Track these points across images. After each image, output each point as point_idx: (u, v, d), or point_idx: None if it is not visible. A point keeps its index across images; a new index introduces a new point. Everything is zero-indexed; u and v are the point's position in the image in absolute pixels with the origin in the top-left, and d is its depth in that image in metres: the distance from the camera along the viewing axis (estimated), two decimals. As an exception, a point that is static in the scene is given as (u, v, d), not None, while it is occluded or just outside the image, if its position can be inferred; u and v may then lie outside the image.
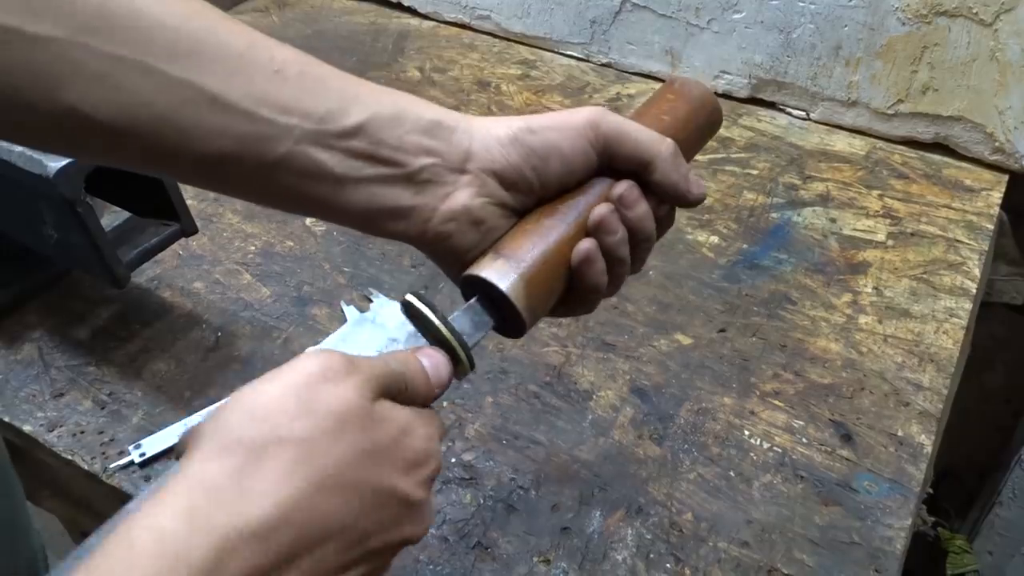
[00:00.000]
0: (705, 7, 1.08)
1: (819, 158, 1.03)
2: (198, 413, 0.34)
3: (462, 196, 0.43)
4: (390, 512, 0.36)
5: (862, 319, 0.81)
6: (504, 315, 0.44)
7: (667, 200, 0.46)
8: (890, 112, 1.03)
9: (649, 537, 0.64)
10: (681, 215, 0.94)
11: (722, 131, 1.07)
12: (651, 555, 0.62)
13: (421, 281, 0.85)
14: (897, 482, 0.67)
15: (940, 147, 1.03)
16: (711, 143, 1.06)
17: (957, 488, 1.39)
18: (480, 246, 0.45)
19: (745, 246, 0.90)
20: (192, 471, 0.33)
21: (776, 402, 0.73)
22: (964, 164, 1.01)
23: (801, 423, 0.72)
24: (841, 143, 1.05)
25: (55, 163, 0.64)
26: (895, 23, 0.97)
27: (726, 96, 1.13)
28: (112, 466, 0.68)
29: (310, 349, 0.38)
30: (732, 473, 0.68)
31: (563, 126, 0.44)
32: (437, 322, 0.42)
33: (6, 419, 0.72)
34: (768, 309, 0.82)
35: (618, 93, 1.15)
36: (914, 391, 0.74)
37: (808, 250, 0.89)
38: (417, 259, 0.88)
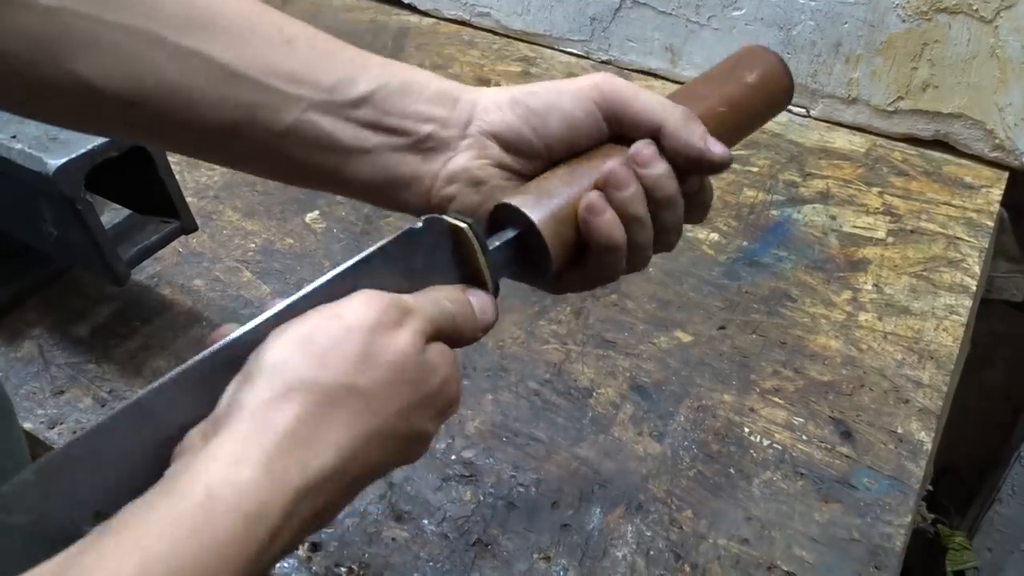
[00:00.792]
0: (705, 4, 1.08)
1: (819, 155, 1.03)
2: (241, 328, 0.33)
3: (462, 159, 0.44)
4: (414, 447, 0.38)
5: (862, 316, 0.81)
6: (529, 253, 0.43)
7: (687, 166, 0.44)
8: (890, 109, 1.03)
9: (649, 534, 0.64)
10: (681, 212, 0.94)
11: (722, 128, 1.07)
12: (651, 552, 0.62)
13: (421, 278, 0.85)
14: (897, 479, 0.67)
15: (940, 144, 1.03)
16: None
17: (957, 485, 1.39)
18: (483, 206, 0.44)
19: (745, 243, 0.90)
20: (262, 414, 0.33)
21: (776, 399, 0.73)
22: (964, 161, 1.01)
23: (801, 420, 0.72)
24: (841, 140, 1.05)
25: (55, 160, 0.63)
26: (895, 20, 0.97)
27: (726, 93, 1.13)
28: (112, 463, 0.68)
29: (363, 290, 0.37)
30: (732, 470, 0.68)
31: (565, 88, 0.44)
32: (484, 267, 0.41)
33: (6, 416, 0.72)
34: (768, 306, 0.82)
35: (618, 90, 1.15)
36: (914, 388, 0.74)
37: (808, 247, 0.89)
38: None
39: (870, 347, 0.78)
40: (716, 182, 1.00)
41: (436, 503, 0.65)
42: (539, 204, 0.42)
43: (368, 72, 0.42)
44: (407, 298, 0.38)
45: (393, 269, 0.40)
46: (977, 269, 0.86)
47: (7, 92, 0.39)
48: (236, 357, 0.35)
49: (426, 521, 0.64)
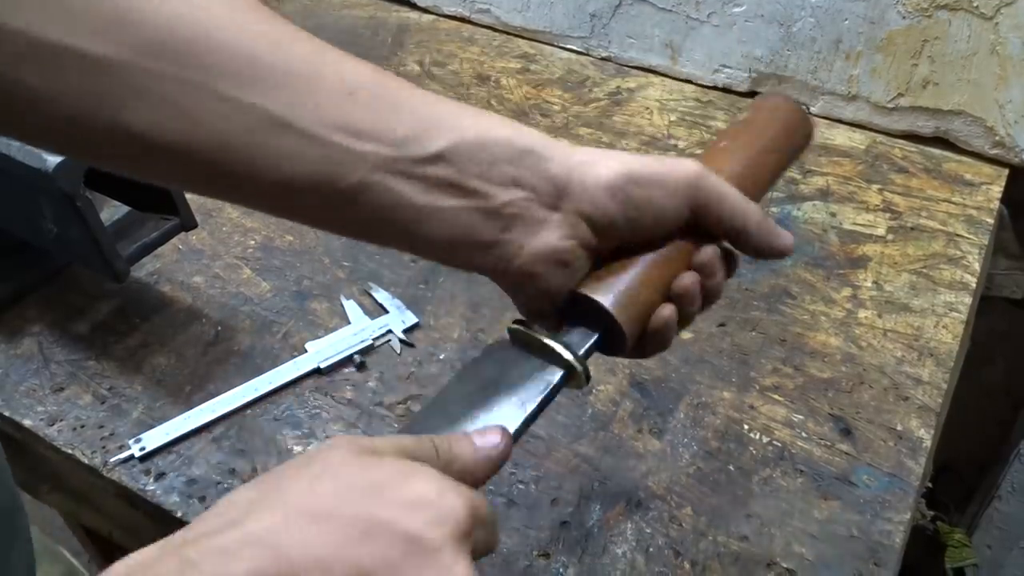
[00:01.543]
0: (705, 1, 1.08)
1: (819, 152, 1.03)
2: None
3: (552, 236, 0.41)
4: (392, 549, 0.31)
5: (862, 313, 0.81)
6: (604, 333, 0.44)
7: (760, 257, 0.47)
8: (890, 106, 1.03)
9: (649, 531, 0.64)
10: (681, 209, 0.94)
11: (722, 125, 1.07)
12: (650, 549, 0.62)
13: (421, 275, 0.85)
14: (896, 476, 0.67)
15: (940, 141, 1.03)
16: (712, 137, 1.06)
17: (956, 482, 1.39)
18: (563, 287, 0.43)
19: (745, 240, 0.90)
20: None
21: (775, 396, 0.74)
22: (964, 158, 1.01)
23: (800, 417, 0.72)
24: (841, 137, 1.05)
25: (54, 157, 0.63)
26: (895, 16, 0.97)
27: (726, 90, 1.13)
28: (112, 460, 0.68)
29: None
30: (731, 467, 0.68)
31: (667, 182, 0.42)
32: (543, 337, 0.42)
33: (6, 413, 0.72)
34: (768, 303, 0.82)
35: (618, 87, 1.15)
36: (913, 385, 0.74)
37: (808, 244, 0.89)
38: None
39: (870, 344, 0.78)
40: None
41: (436, 500, 0.65)
42: (624, 307, 0.42)
43: (442, 125, 0.39)
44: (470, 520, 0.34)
45: (472, 387, 0.42)
46: (977, 266, 0.86)
47: (63, 140, 0.38)
48: None
49: (426, 518, 0.64)
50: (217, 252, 0.88)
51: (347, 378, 0.75)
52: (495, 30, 1.27)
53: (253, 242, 0.90)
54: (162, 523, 0.67)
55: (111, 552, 1.21)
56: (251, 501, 0.32)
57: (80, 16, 0.34)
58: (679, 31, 1.12)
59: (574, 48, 1.22)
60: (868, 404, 0.73)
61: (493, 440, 0.39)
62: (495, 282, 0.44)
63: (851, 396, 0.73)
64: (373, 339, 0.77)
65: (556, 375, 0.42)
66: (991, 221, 0.92)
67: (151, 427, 0.70)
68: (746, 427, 0.71)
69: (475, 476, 0.38)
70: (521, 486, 0.67)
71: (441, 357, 0.77)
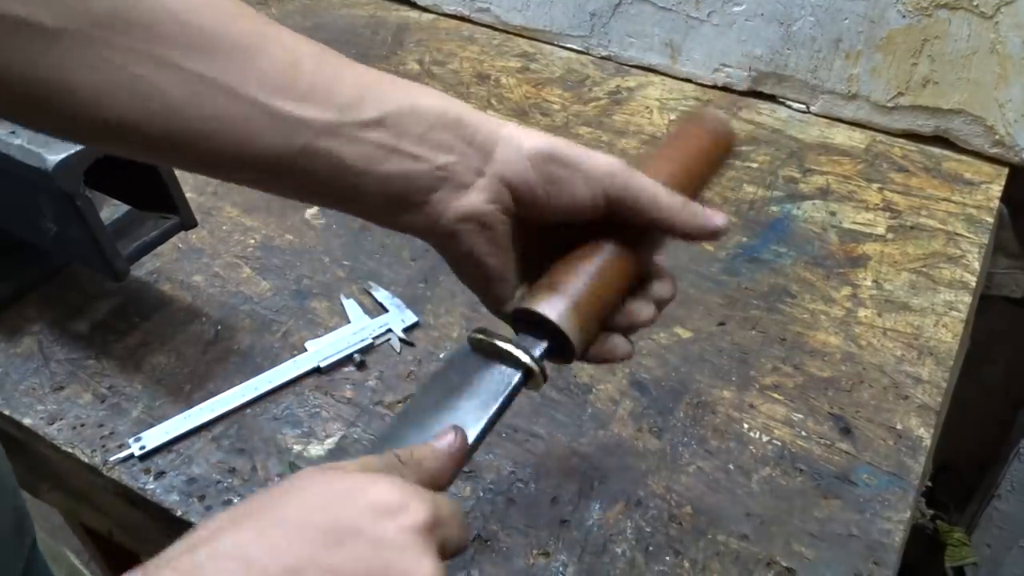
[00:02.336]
0: (705, 0, 1.08)
1: (819, 151, 1.03)
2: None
3: (476, 198, 0.44)
4: (361, 553, 0.32)
5: (861, 312, 0.81)
6: (553, 343, 0.46)
7: (695, 239, 0.48)
8: (890, 105, 1.03)
9: (648, 530, 0.64)
10: (681, 208, 0.94)
11: (722, 124, 1.07)
12: (650, 548, 0.62)
13: (420, 274, 0.85)
14: (896, 475, 0.67)
15: (940, 140, 1.03)
16: (711, 136, 1.06)
17: (956, 481, 1.39)
18: (487, 254, 0.45)
19: (745, 239, 0.90)
20: None
21: (775, 395, 0.74)
22: (964, 157, 1.01)
23: (800, 416, 0.72)
24: (841, 136, 1.05)
25: (54, 156, 0.63)
26: (895, 16, 0.97)
27: (726, 89, 1.13)
28: (112, 459, 0.68)
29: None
30: (731, 466, 0.68)
31: (585, 168, 0.44)
32: (500, 343, 0.44)
33: (6, 412, 0.72)
34: (767, 302, 0.82)
35: (618, 86, 1.15)
36: (913, 384, 0.74)
37: (808, 243, 0.89)
38: (416, 253, 0.88)
39: (869, 343, 0.78)
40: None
41: (436, 499, 0.66)
42: (569, 318, 0.44)
43: (379, 93, 0.42)
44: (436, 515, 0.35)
45: (437, 396, 0.44)
46: (977, 265, 0.86)
47: (15, 111, 0.39)
48: None
49: (426, 517, 0.64)
50: (217, 251, 0.88)
51: (347, 377, 0.75)
52: (495, 29, 1.27)
53: (253, 241, 0.90)
54: (162, 522, 0.67)
55: (111, 551, 1.21)
56: (224, 520, 0.33)
57: None
58: (679, 30, 1.12)
59: (574, 47, 1.22)
60: (868, 403, 0.73)
61: (448, 439, 0.41)
62: (423, 240, 0.46)
63: (851, 395, 0.73)
64: (373, 338, 0.77)
65: (515, 377, 0.45)
66: (991, 220, 0.92)
67: (151, 426, 0.70)
68: (746, 426, 0.71)
69: (437, 478, 0.39)
70: (521, 485, 0.67)
71: (441, 356, 0.77)
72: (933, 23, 0.95)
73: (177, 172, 0.74)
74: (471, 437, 0.42)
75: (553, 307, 0.44)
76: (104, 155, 0.66)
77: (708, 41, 1.11)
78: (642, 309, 0.49)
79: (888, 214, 0.93)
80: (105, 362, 0.77)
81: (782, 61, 1.07)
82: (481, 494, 0.66)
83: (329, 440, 0.70)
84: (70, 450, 0.69)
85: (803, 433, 0.70)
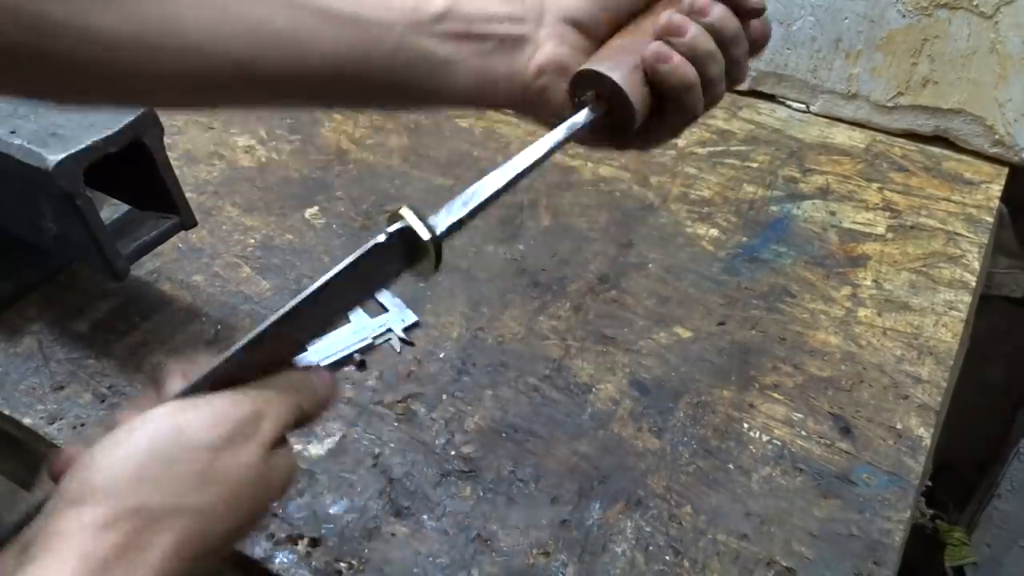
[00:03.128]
0: (705, -1, 1.07)
1: (819, 151, 1.03)
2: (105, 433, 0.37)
3: (546, 50, 0.45)
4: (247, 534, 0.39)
5: (861, 312, 0.81)
6: (614, 114, 0.45)
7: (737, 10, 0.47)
8: (890, 105, 1.03)
9: (648, 530, 0.64)
10: (681, 208, 0.94)
11: (722, 124, 1.07)
12: (650, 547, 0.62)
13: (421, 274, 0.85)
14: (896, 475, 0.67)
15: (940, 140, 1.03)
16: (711, 136, 1.06)
17: (956, 481, 1.39)
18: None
19: (745, 239, 0.90)
20: (81, 544, 0.32)
21: (775, 395, 0.74)
22: (964, 157, 1.01)
23: (800, 416, 0.72)
24: (841, 136, 1.05)
25: (54, 156, 0.63)
26: (895, 15, 0.97)
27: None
28: (112, 459, 0.68)
29: (220, 396, 0.39)
30: (731, 466, 0.68)
31: None
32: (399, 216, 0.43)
33: (6, 412, 0.72)
34: (767, 302, 0.82)
35: (618, 86, 1.15)
36: (913, 384, 0.74)
37: (807, 243, 0.89)
38: (416, 252, 0.88)
39: (869, 343, 0.78)
40: (716, 178, 1.00)
41: (435, 498, 0.66)
42: (615, 65, 0.44)
43: None
44: (259, 399, 0.39)
45: (352, 285, 0.44)
46: (976, 265, 0.86)
47: (128, 81, 0.41)
48: None
49: (425, 516, 0.64)
50: (217, 250, 0.88)
51: (347, 376, 0.75)
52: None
53: (253, 240, 0.90)
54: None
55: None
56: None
57: None
58: (679, 30, 1.12)
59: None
60: (868, 403, 0.73)
61: (331, 397, 0.45)
62: (518, 112, 0.48)
63: (851, 395, 0.73)
64: (373, 338, 0.77)
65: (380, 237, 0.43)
66: (991, 220, 0.92)
67: (151, 426, 0.70)
68: (746, 426, 0.71)
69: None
70: (521, 484, 0.67)
71: (441, 355, 0.77)
72: (933, 23, 0.95)
73: (177, 171, 0.74)
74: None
75: (592, 63, 0.44)
76: (104, 155, 0.66)
77: (708, 41, 1.11)
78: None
79: (888, 214, 0.93)
80: (105, 362, 0.77)
81: (782, 61, 1.07)
82: (481, 493, 0.66)
83: (329, 440, 0.70)
84: (70, 450, 0.69)
85: (803, 433, 0.70)
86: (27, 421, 0.72)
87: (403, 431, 0.70)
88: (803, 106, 1.10)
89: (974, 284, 0.84)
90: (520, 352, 0.77)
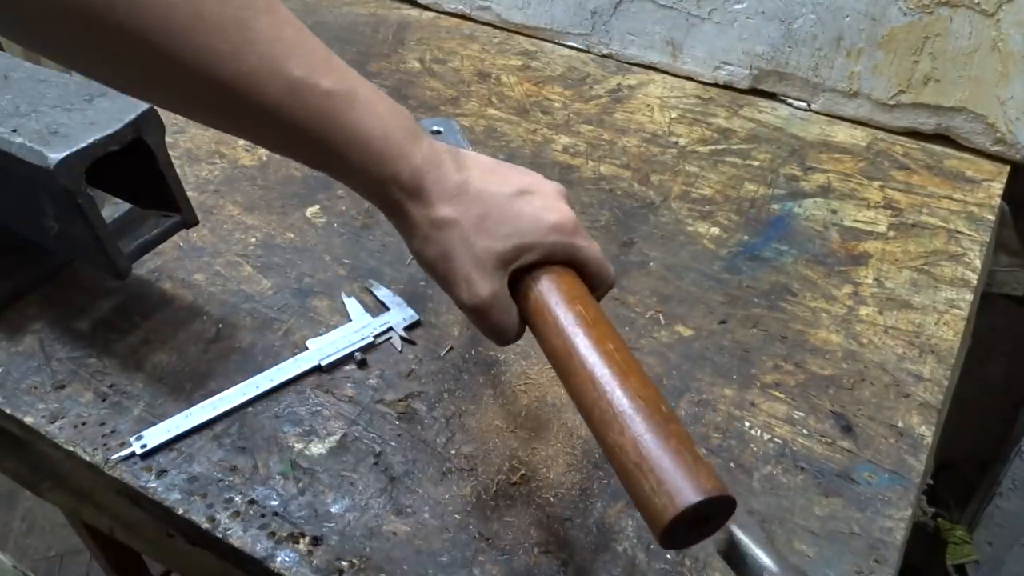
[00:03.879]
0: (706, -3, 1.08)
1: (820, 149, 1.03)
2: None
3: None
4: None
5: (863, 310, 0.81)
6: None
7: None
8: (891, 103, 1.03)
9: (649, 528, 0.64)
10: (682, 206, 0.94)
11: (723, 122, 1.07)
12: (652, 546, 0.62)
13: (421, 273, 0.85)
14: (897, 473, 0.67)
15: (941, 138, 1.03)
16: (712, 134, 1.06)
17: (957, 479, 1.39)
18: None
19: (746, 237, 0.90)
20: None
21: (776, 393, 0.74)
22: (965, 155, 1.01)
23: (801, 414, 0.72)
24: (842, 134, 1.05)
25: (56, 154, 0.63)
26: (897, 13, 0.97)
27: (727, 87, 1.13)
28: (114, 457, 0.68)
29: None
30: (732, 464, 0.68)
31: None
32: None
33: (7, 411, 0.72)
34: (769, 300, 0.82)
35: (619, 84, 1.15)
36: (914, 382, 0.74)
37: (809, 241, 0.89)
38: (418, 251, 0.88)
39: (871, 341, 0.78)
40: (717, 176, 1.00)
41: (437, 497, 0.66)
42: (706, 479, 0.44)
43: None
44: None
45: None
46: (978, 263, 0.86)
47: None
48: None
49: (427, 515, 0.64)
50: (218, 249, 0.88)
51: (348, 375, 0.75)
52: (496, 27, 1.27)
53: (254, 239, 0.90)
54: (163, 520, 0.67)
55: (112, 550, 1.22)
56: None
57: None
58: (680, 28, 1.12)
59: (575, 45, 1.22)
60: (869, 401, 0.73)
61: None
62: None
63: (852, 393, 0.73)
64: (374, 336, 0.77)
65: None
66: (992, 218, 0.92)
67: (152, 424, 0.70)
68: (747, 424, 0.71)
69: None
70: (521, 483, 0.67)
71: (442, 354, 0.77)
72: (934, 20, 0.95)
73: (178, 170, 0.74)
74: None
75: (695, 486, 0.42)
76: (105, 153, 0.66)
77: (709, 39, 1.11)
78: None
79: (889, 212, 0.93)
80: (106, 360, 0.77)
81: (783, 59, 1.07)
82: (482, 492, 0.66)
83: (330, 438, 0.70)
84: (71, 449, 0.69)
85: (804, 431, 0.70)
86: (28, 420, 0.72)
87: (404, 430, 0.71)
88: (804, 104, 1.10)
89: (975, 282, 0.84)
90: (521, 351, 0.77)
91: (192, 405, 0.71)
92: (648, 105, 1.11)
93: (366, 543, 0.63)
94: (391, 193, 0.51)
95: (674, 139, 1.05)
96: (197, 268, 0.86)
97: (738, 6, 1.06)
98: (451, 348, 0.78)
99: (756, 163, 1.01)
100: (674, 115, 1.09)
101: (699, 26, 1.10)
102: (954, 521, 1.37)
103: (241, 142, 1.04)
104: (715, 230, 0.91)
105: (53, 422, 0.71)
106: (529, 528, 0.64)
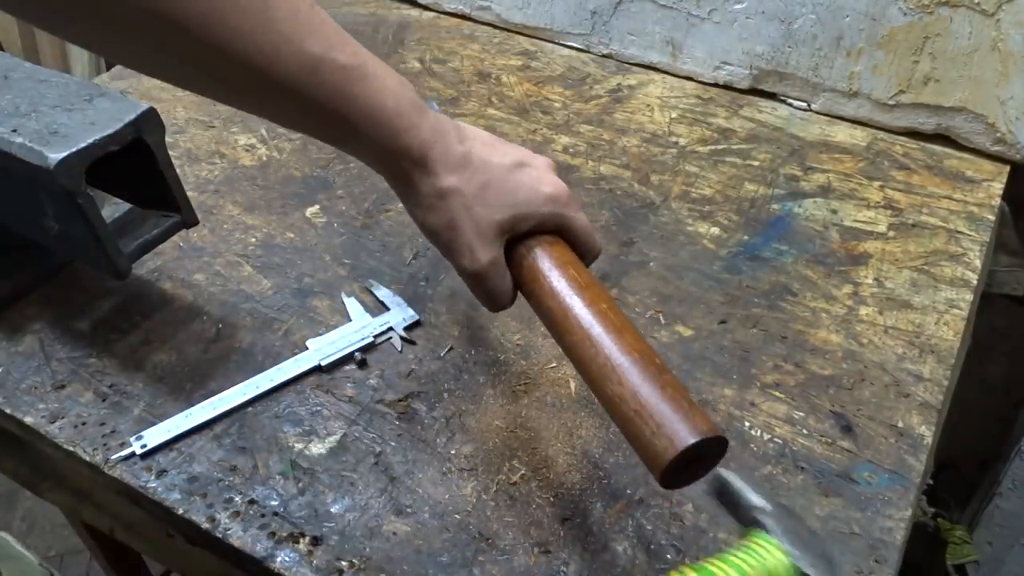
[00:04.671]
0: (706, -3, 1.07)
1: (820, 149, 1.03)
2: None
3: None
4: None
5: (863, 310, 0.81)
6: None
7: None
8: (891, 103, 1.03)
9: (650, 528, 0.64)
10: (682, 206, 0.94)
11: (723, 122, 1.07)
12: (652, 546, 0.62)
13: (421, 273, 0.85)
14: (897, 473, 0.67)
15: (941, 138, 1.03)
16: (712, 134, 1.06)
17: (957, 479, 1.39)
18: None
19: (746, 237, 0.90)
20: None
21: (776, 393, 0.74)
22: (965, 155, 1.01)
23: (801, 414, 0.72)
24: (842, 134, 1.05)
25: (56, 154, 0.63)
26: (897, 13, 0.97)
27: (727, 87, 1.13)
28: (114, 457, 0.68)
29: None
30: (732, 464, 0.68)
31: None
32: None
33: (7, 411, 0.72)
34: (769, 300, 0.82)
35: (619, 84, 1.15)
36: (914, 382, 0.74)
37: (809, 241, 0.89)
38: (418, 250, 0.88)
39: (871, 341, 0.78)
40: (717, 176, 1.00)
41: (437, 497, 0.66)
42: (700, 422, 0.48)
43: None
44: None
45: None
46: (978, 263, 0.86)
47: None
48: None
49: (427, 515, 0.64)
50: (218, 249, 0.88)
51: (348, 375, 0.75)
52: (496, 27, 1.27)
53: (254, 239, 0.90)
54: (163, 520, 0.67)
55: (112, 549, 1.22)
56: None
57: None
58: (680, 28, 1.12)
59: (575, 45, 1.22)
60: (869, 401, 0.73)
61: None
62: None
63: (852, 393, 0.73)
64: (374, 336, 0.77)
65: None
66: (992, 218, 0.92)
67: (152, 424, 0.70)
68: (747, 424, 0.71)
69: None
70: (521, 483, 0.67)
71: (442, 354, 0.77)
72: (934, 20, 0.95)
73: (178, 170, 0.74)
74: None
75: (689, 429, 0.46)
76: (106, 153, 0.66)
77: (709, 39, 1.11)
78: None
79: (889, 212, 0.93)
80: (106, 360, 0.77)
81: (783, 59, 1.07)
82: (482, 492, 0.66)
83: (330, 438, 0.70)
84: (71, 448, 0.69)
85: (804, 431, 0.70)
86: (28, 420, 0.72)
87: (404, 430, 0.71)
88: (804, 104, 1.10)
89: (975, 282, 0.84)
90: (522, 351, 0.77)
91: (192, 405, 0.71)
92: (648, 105, 1.11)
93: (366, 543, 0.63)
94: (400, 164, 0.52)
95: (674, 139, 1.05)
96: (197, 268, 0.86)
97: (738, 6, 1.06)
98: (451, 348, 0.78)
99: (756, 163, 1.01)
100: (674, 115, 1.09)
101: (699, 26, 1.10)
102: (954, 521, 1.37)
103: (241, 142, 1.04)
104: (715, 230, 0.91)
105: (53, 422, 0.71)
106: (529, 528, 0.64)
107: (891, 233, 0.90)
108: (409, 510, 0.65)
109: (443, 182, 0.53)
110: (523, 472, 0.67)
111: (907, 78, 1.00)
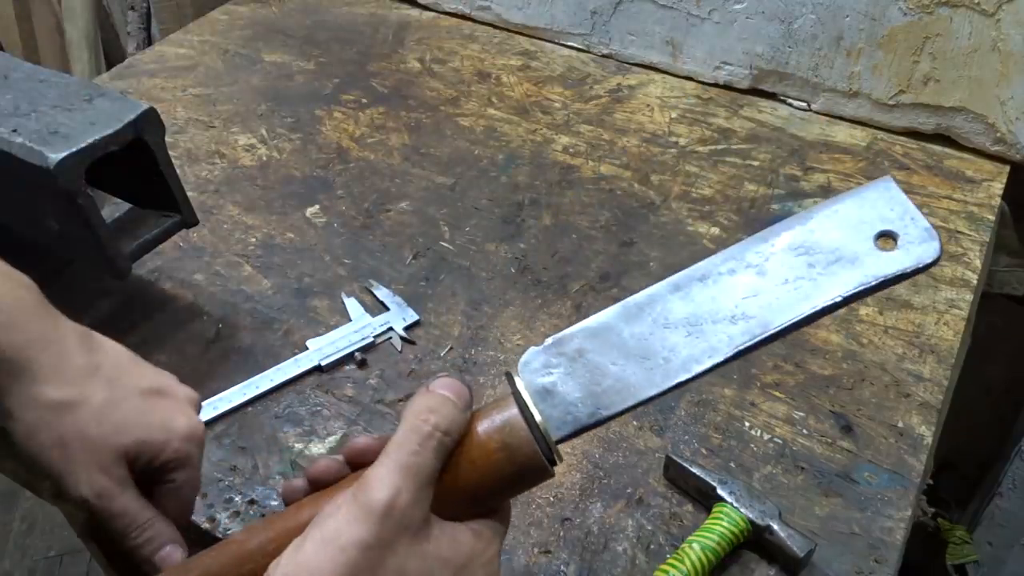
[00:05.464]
0: (706, -3, 1.07)
1: (820, 149, 1.03)
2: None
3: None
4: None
5: (863, 310, 0.81)
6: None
7: None
8: (891, 103, 1.03)
9: (650, 528, 0.64)
10: (682, 206, 0.94)
11: (723, 122, 1.07)
12: (651, 546, 0.62)
13: (421, 273, 0.85)
14: (897, 473, 0.67)
15: (941, 138, 1.03)
16: (712, 134, 1.06)
17: (957, 479, 1.39)
18: None
19: (746, 237, 0.90)
20: None
21: (777, 393, 0.74)
22: (965, 155, 1.01)
23: (801, 414, 0.72)
24: (842, 134, 1.05)
25: (56, 154, 0.63)
26: (897, 13, 0.97)
27: (727, 87, 1.13)
28: (114, 457, 0.68)
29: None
30: (732, 464, 0.68)
31: None
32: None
33: (8, 411, 0.72)
34: (769, 300, 0.82)
35: (619, 84, 1.15)
36: (914, 382, 0.74)
37: (809, 241, 0.89)
38: (417, 250, 0.88)
39: (871, 341, 0.78)
40: (717, 176, 1.00)
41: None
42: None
43: None
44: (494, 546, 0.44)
45: None
46: (978, 263, 0.86)
47: None
48: None
49: (427, 515, 0.64)
50: (218, 249, 0.88)
51: (348, 375, 0.75)
52: (496, 27, 1.27)
53: (254, 239, 0.90)
54: (164, 520, 0.67)
55: (113, 550, 1.21)
56: None
57: None
58: (680, 28, 1.12)
59: (575, 45, 1.22)
60: (869, 401, 0.73)
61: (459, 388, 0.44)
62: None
63: (852, 393, 0.73)
64: (374, 336, 0.77)
65: None
66: (992, 218, 0.92)
67: (152, 424, 0.70)
68: (747, 424, 0.71)
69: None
70: (522, 483, 0.67)
71: (442, 354, 0.77)
72: (934, 20, 0.95)
73: (178, 170, 0.74)
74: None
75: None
76: (105, 153, 0.66)
77: (709, 39, 1.11)
78: None
79: (889, 212, 0.93)
80: (106, 360, 0.77)
81: (783, 59, 1.07)
82: (482, 492, 0.66)
83: (330, 438, 0.70)
84: (72, 448, 0.69)
85: (804, 431, 0.70)
86: (28, 420, 0.71)
87: (404, 430, 0.70)
88: (804, 104, 1.09)
89: (975, 282, 0.84)
90: (520, 350, 0.77)
91: (192, 405, 0.71)
92: (648, 105, 1.11)
93: (366, 543, 0.62)
94: None
95: (674, 139, 1.05)
96: (197, 268, 0.86)
97: (738, 6, 1.06)
98: (451, 348, 0.78)
99: (756, 163, 1.01)
100: (674, 115, 1.09)
101: (699, 26, 1.10)
102: (954, 521, 1.37)
103: (241, 142, 1.04)
104: (715, 230, 0.91)
105: (53, 422, 0.71)
106: (529, 528, 0.64)
107: (891, 233, 0.90)
108: (409, 510, 0.65)
109: (54, 394, 0.47)
110: (523, 472, 0.67)
111: (907, 78, 1.00)
